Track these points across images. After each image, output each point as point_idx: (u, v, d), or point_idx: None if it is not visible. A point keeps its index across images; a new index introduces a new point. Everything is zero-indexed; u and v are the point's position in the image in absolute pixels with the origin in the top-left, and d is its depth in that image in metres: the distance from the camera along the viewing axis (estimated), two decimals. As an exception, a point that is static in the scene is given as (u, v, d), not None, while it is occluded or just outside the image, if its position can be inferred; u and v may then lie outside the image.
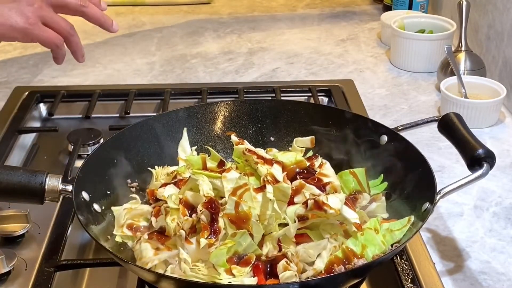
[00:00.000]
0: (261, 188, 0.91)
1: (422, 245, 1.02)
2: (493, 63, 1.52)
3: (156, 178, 1.04)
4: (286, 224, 0.90)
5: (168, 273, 0.87)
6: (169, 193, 0.95)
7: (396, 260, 0.97)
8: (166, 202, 0.94)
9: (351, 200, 0.98)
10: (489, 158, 0.95)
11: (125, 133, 1.07)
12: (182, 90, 1.50)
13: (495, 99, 1.36)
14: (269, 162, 0.96)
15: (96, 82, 1.58)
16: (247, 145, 1.00)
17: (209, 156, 1.02)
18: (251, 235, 0.88)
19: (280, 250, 0.89)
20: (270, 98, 1.45)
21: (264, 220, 0.90)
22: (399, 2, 1.90)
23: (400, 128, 1.08)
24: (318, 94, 1.47)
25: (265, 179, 0.92)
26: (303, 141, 1.07)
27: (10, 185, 0.90)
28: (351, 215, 0.90)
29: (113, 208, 0.98)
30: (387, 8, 1.97)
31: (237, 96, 1.46)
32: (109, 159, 1.02)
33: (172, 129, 1.11)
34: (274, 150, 1.06)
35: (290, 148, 1.09)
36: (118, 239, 0.94)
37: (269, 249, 0.89)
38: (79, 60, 1.21)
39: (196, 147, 1.10)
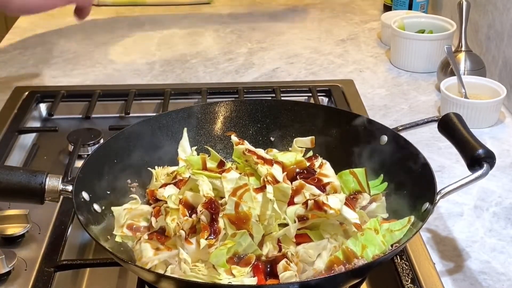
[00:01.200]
0: (261, 188, 0.91)
1: (422, 245, 1.02)
2: (493, 63, 1.52)
3: (156, 178, 1.04)
4: (286, 224, 0.90)
5: (168, 273, 0.87)
6: (169, 193, 0.95)
7: (396, 260, 0.97)
8: (166, 202, 0.94)
9: (351, 200, 0.98)
10: (489, 158, 0.95)
11: (125, 133, 1.07)
12: (182, 90, 1.50)
13: (495, 99, 1.36)
14: (269, 162, 0.96)
15: (96, 82, 1.58)
16: (247, 145, 1.00)
17: (209, 156, 1.02)
18: (251, 235, 0.88)
19: (280, 250, 0.89)
20: (270, 98, 1.45)
21: (264, 220, 0.90)
22: (399, 2, 1.90)
23: (400, 128, 1.08)
24: (318, 94, 1.47)
25: (265, 179, 0.92)
26: (303, 141, 1.07)
27: (10, 185, 0.90)
28: (351, 215, 0.90)
29: (113, 208, 0.98)
30: (387, 8, 1.97)
31: (237, 96, 1.46)
32: (109, 159, 1.02)
33: (172, 129, 1.11)
34: (275, 151, 1.06)
35: (290, 149, 1.09)
36: (118, 239, 0.94)
37: (269, 249, 0.89)
38: (82, 18, 1.30)
39: (196, 147, 1.10)
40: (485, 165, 0.94)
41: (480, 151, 0.95)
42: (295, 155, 1.00)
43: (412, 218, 0.93)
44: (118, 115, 1.47)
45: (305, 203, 0.90)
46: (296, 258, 0.88)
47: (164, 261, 0.89)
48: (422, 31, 1.68)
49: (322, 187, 0.95)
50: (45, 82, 1.58)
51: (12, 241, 1.02)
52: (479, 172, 0.94)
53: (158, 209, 0.95)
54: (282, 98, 1.44)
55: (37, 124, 1.45)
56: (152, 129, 1.10)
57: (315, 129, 1.11)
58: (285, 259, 0.87)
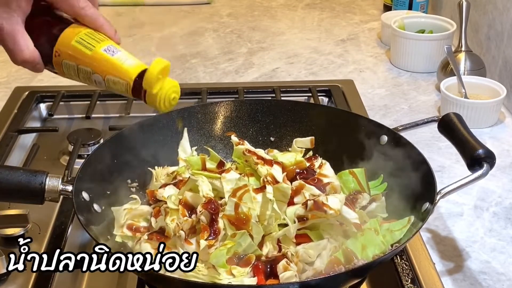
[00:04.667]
0: (261, 189, 0.91)
1: (422, 245, 1.02)
2: (493, 63, 1.52)
3: (156, 179, 1.04)
4: (286, 225, 0.90)
5: (168, 273, 0.87)
6: (169, 193, 0.95)
7: (396, 260, 0.97)
8: (165, 203, 0.94)
9: (351, 200, 0.98)
10: (489, 158, 0.95)
11: (125, 133, 1.07)
12: (182, 90, 1.49)
13: (495, 99, 1.36)
14: (269, 162, 0.96)
15: (96, 82, 1.58)
16: (247, 145, 1.00)
17: (208, 156, 1.02)
18: (251, 235, 0.88)
19: (280, 250, 0.89)
20: (270, 98, 1.45)
21: (264, 220, 0.90)
22: (399, 2, 1.90)
23: (400, 128, 1.08)
24: (318, 94, 1.47)
25: (265, 180, 0.92)
26: (303, 142, 1.07)
27: (10, 185, 0.90)
28: (351, 215, 0.90)
29: (113, 208, 0.98)
30: (387, 8, 1.97)
31: (237, 96, 1.46)
32: (109, 159, 1.02)
33: (172, 129, 1.11)
34: (275, 151, 1.06)
35: (290, 149, 1.09)
36: (118, 239, 0.94)
37: (269, 249, 0.89)
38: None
39: (196, 147, 1.10)
40: (485, 165, 0.94)
41: (480, 151, 0.95)
42: (295, 156, 1.00)
43: (412, 218, 0.93)
44: (118, 115, 1.47)
45: (305, 204, 0.90)
46: (296, 258, 0.88)
47: (164, 261, 0.89)
48: (422, 31, 1.68)
49: (322, 187, 0.95)
50: (45, 82, 1.58)
51: (12, 241, 1.02)
52: (479, 172, 0.94)
53: (158, 210, 0.95)
54: (282, 98, 1.44)
55: (37, 124, 1.45)
56: (152, 129, 1.09)
57: (315, 129, 1.11)
58: (285, 259, 0.87)
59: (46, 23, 0.88)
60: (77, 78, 0.87)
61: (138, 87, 0.84)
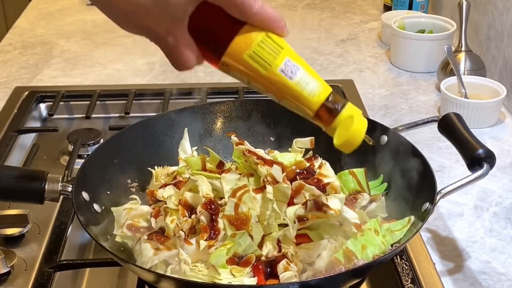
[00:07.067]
0: (261, 189, 0.91)
1: (422, 245, 1.02)
2: (493, 63, 1.52)
3: (156, 179, 1.04)
4: (286, 225, 0.90)
5: (168, 273, 0.87)
6: (169, 194, 0.95)
7: (396, 260, 0.97)
8: (165, 203, 0.94)
9: (351, 200, 0.98)
10: (489, 158, 0.95)
11: (125, 133, 1.07)
12: (182, 90, 1.50)
13: (495, 99, 1.36)
14: (269, 163, 0.95)
15: (96, 82, 1.58)
16: (247, 145, 1.00)
17: (208, 157, 1.02)
18: (251, 236, 0.88)
19: (280, 250, 0.89)
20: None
21: (263, 220, 0.90)
22: (399, 2, 1.90)
23: (400, 128, 1.08)
24: (318, 94, 1.47)
25: (265, 180, 0.92)
26: (303, 142, 1.07)
27: (10, 185, 0.90)
28: (351, 215, 0.90)
29: (112, 208, 0.97)
30: (387, 8, 1.97)
31: (237, 96, 1.46)
32: (109, 159, 1.02)
33: (172, 129, 1.11)
34: (276, 152, 1.06)
35: (290, 149, 1.09)
36: (118, 239, 0.94)
37: (269, 249, 0.89)
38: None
39: (196, 147, 1.10)
40: (485, 165, 0.94)
41: (480, 151, 0.95)
42: (294, 156, 1.00)
43: (412, 218, 0.93)
44: (118, 115, 1.47)
45: (305, 204, 0.90)
46: (296, 258, 0.88)
47: (164, 261, 0.89)
48: (422, 31, 1.68)
49: (322, 187, 0.95)
50: (45, 82, 1.58)
51: (12, 241, 1.02)
52: (479, 172, 0.94)
53: (157, 210, 0.95)
54: (282, 98, 1.44)
55: (37, 124, 1.45)
56: (152, 129, 1.10)
57: (315, 129, 1.11)
58: (285, 259, 0.87)
59: (211, 26, 0.73)
60: (245, 84, 0.77)
61: (320, 118, 0.76)
